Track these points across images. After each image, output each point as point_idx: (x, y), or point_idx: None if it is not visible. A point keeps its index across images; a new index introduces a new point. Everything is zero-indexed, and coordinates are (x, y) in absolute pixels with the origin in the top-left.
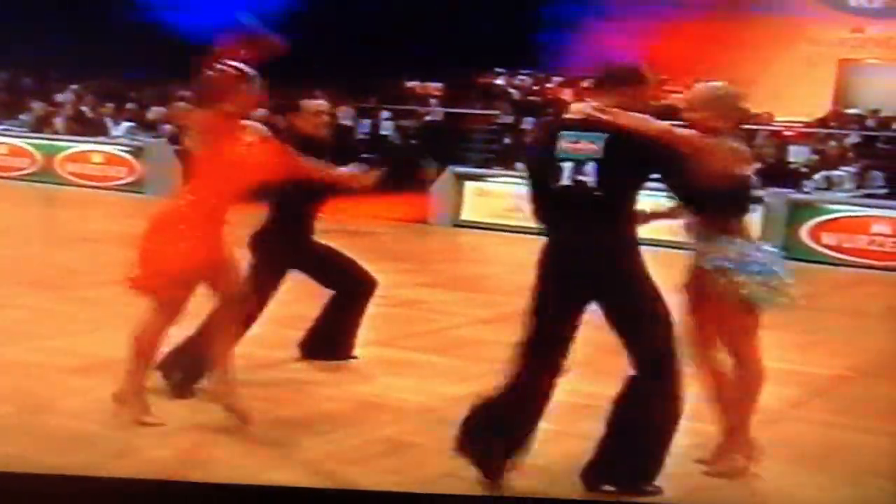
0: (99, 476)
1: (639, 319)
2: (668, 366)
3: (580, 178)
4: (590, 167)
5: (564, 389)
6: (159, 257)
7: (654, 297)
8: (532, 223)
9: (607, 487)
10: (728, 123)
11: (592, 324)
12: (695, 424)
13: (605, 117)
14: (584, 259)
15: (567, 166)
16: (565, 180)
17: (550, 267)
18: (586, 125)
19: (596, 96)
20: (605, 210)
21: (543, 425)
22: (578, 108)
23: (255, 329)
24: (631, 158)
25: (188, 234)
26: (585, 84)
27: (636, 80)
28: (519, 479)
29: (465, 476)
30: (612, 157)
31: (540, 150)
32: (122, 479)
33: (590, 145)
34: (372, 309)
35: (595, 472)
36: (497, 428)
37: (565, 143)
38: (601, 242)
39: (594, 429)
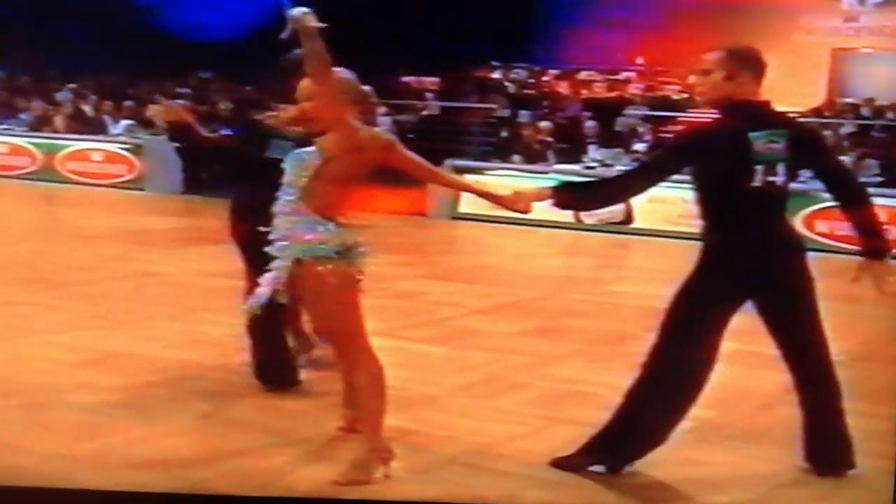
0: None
1: (806, 316)
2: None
3: (770, 178)
4: (780, 168)
5: (561, 377)
6: None
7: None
8: (528, 215)
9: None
10: (344, 110)
11: (588, 314)
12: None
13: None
14: (764, 257)
15: (760, 168)
16: (757, 182)
17: (724, 266)
18: (773, 123)
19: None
20: (783, 208)
21: (543, 412)
22: (761, 106)
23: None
24: (803, 155)
25: None
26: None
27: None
28: (519, 467)
29: (467, 462)
30: (792, 158)
31: (728, 150)
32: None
33: (777, 145)
34: (372, 300)
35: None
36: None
37: (760, 144)
38: (783, 240)
39: (592, 416)
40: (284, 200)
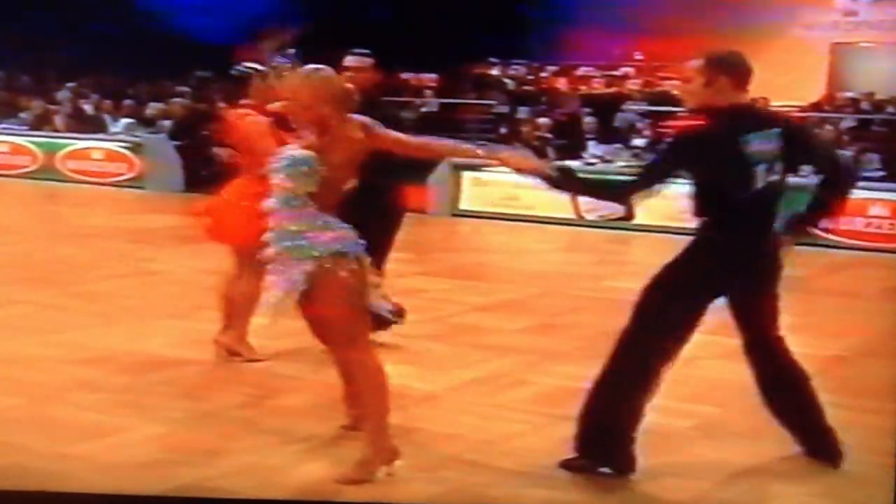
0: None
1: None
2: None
3: (771, 178)
4: (778, 167)
5: (563, 374)
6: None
7: None
8: (528, 211)
9: None
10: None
11: (589, 311)
12: (694, 407)
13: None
14: (758, 257)
15: (761, 169)
16: (759, 183)
17: (718, 262)
18: (764, 123)
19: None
20: (777, 207)
21: (546, 410)
22: (748, 108)
23: (256, 319)
24: (795, 153)
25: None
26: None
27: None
28: (524, 465)
29: (469, 460)
30: (787, 155)
31: (724, 155)
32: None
33: (772, 144)
34: None
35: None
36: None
37: (757, 145)
38: (772, 239)
39: None
40: (285, 203)
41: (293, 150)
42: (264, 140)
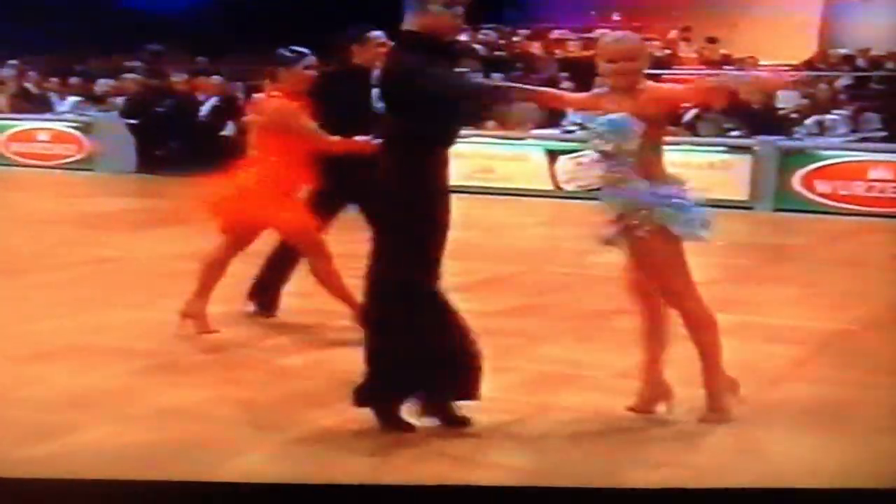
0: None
1: None
2: None
3: None
4: None
5: (549, 358)
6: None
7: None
8: (505, 184)
9: None
10: None
11: (574, 288)
12: (688, 390)
13: None
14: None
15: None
16: None
17: None
18: None
19: None
20: None
21: (530, 398)
22: None
23: (242, 307)
24: None
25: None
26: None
27: None
28: (511, 457)
29: (453, 454)
30: None
31: None
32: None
33: None
34: (347, 279)
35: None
36: None
37: None
38: None
39: (583, 399)
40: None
41: (611, 115)
42: (305, 125)
